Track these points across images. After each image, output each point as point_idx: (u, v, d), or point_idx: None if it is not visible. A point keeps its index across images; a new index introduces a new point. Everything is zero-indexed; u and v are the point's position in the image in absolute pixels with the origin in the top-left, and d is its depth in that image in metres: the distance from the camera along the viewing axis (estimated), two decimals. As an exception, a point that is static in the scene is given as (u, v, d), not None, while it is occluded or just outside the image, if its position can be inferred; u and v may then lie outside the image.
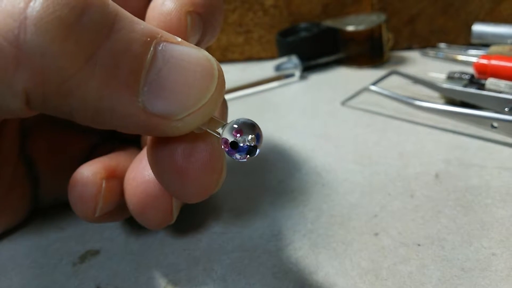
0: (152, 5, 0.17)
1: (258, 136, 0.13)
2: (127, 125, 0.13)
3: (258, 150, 0.13)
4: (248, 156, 0.13)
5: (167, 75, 0.13)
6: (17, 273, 0.19)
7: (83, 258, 0.20)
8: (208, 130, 0.14)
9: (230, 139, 0.13)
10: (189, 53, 0.13)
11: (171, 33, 0.16)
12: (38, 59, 0.11)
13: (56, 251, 0.20)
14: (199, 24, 0.17)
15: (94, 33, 0.12)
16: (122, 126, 0.13)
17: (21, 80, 0.11)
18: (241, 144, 0.13)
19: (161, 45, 0.13)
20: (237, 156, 0.13)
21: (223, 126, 0.14)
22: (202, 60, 0.13)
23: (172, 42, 0.13)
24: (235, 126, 0.13)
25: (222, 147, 0.13)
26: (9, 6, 0.11)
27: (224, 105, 0.19)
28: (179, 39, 0.13)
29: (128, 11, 0.21)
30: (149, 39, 0.12)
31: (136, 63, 0.12)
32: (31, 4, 0.11)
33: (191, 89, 0.13)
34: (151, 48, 0.12)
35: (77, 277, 0.18)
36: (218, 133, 0.14)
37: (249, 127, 0.13)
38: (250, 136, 0.13)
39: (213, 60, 0.13)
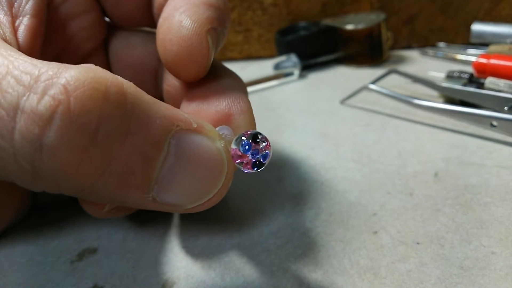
0: (166, 24, 0.16)
1: (263, 142, 0.14)
2: (137, 208, 0.14)
3: (268, 159, 0.14)
4: (260, 168, 0.14)
5: (178, 171, 0.13)
6: (14, 271, 0.19)
7: (80, 256, 0.19)
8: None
9: (242, 161, 0.14)
10: (202, 145, 0.13)
11: (192, 57, 0.16)
12: (53, 180, 0.12)
13: (53, 249, 0.20)
14: (217, 39, 0.17)
15: (108, 146, 0.12)
16: (133, 208, 0.14)
17: (40, 187, 0.12)
18: (253, 159, 0.14)
19: (175, 139, 0.13)
20: (250, 170, 0.14)
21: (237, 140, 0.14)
22: (214, 154, 0.13)
23: (187, 131, 0.13)
24: (243, 138, 0.14)
25: (238, 166, 0.14)
26: (24, 128, 0.11)
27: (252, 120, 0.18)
28: (196, 124, 0.13)
29: (129, 8, 0.21)
30: (164, 136, 0.12)
31: (149, 165, 0.12)
32: (47, 132, 0.11)
33: (200, 185, 0.13)
34: (165, 148, 0.12)
35: (74, 275, 0.18)
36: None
37: (256, 139, 0.14)
38: (258, 149, 0.14)
39: (224, 153, 0.14)
